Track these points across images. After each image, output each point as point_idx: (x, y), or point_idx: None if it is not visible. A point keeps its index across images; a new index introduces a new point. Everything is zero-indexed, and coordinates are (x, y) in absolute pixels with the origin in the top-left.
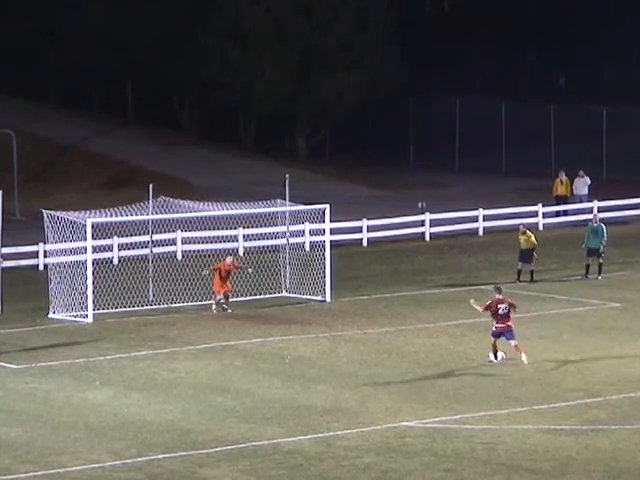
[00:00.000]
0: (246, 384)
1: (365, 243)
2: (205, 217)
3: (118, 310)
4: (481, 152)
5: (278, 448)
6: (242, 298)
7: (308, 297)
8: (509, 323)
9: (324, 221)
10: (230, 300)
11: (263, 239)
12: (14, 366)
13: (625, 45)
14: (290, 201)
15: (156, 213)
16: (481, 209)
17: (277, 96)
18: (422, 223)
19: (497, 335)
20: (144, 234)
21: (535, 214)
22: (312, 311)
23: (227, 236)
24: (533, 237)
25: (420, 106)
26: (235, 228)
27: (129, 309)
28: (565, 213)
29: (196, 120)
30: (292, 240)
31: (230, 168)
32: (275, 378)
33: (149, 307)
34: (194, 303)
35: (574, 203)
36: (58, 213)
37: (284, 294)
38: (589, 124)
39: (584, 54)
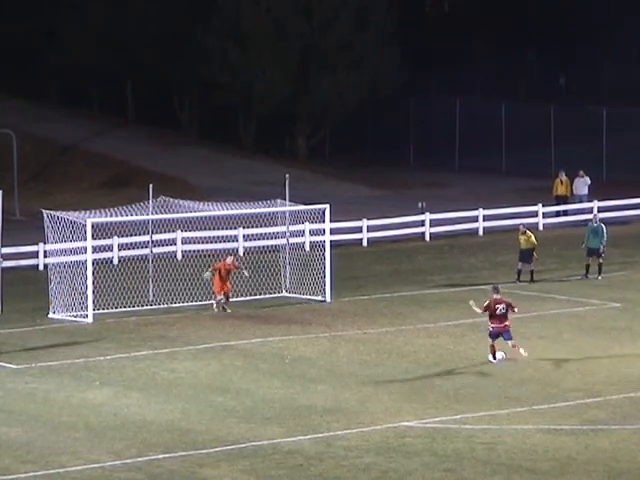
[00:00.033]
0: (246, 384)
1: (365, 243)
2: (205, 217)
3: (118, 310)
4: (481, 152)
5: (278, 448)
6: (242, 298)
7: (308, 297)
8: (506, 323)
9: (324, 221)
10: (230, 300)
11: (263, 239)
12: (14, 366)
13: (625, 45)
14: (290, 201)
15: (156, 213)
16: (481, 209)
17: (277, 96)
18: (422, 223)
19: (495, 336)
20: (144, 234)
21: (535, 214)
22: (312, 311)
23: (227, 236)
24: (533, 237)
25: (420, 106)
26: (235, 228)
27: (129, 309)
28: (565, 213)
29: (196, 120)
30: (292, 240)
31: (230, 168)
32: (275, 378)
33: (149, 307)
34: (194, 303)
35: (574, 203)
36: (58, 213)
37: (284, 294)
38: (589, 124)
39: (584, 54)
